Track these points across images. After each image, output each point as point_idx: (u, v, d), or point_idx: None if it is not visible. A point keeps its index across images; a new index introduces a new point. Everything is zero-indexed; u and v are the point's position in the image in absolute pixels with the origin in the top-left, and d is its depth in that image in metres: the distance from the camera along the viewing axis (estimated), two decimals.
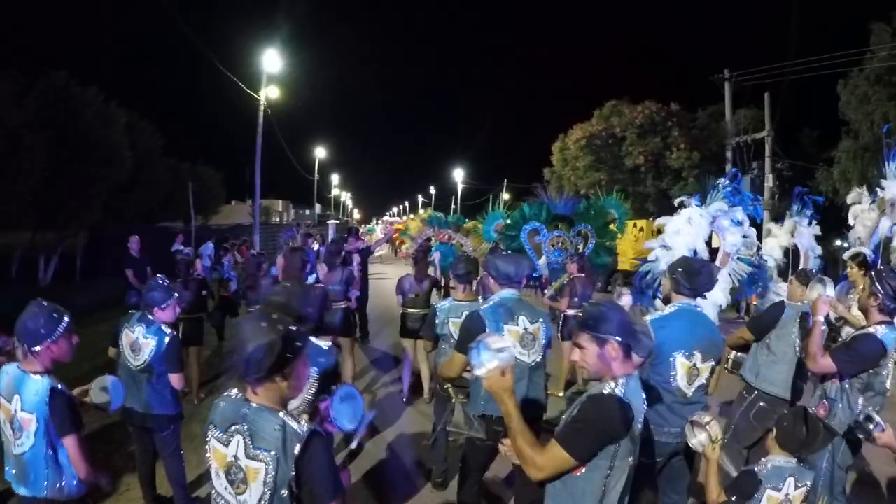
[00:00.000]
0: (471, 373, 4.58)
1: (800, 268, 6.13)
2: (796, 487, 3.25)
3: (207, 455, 2.50)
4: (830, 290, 4.70)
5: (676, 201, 8.20)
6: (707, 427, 3.37)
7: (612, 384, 2.83)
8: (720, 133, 29.35)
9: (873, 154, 19.88)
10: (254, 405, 2.42)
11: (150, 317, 4.99)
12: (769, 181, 23.37)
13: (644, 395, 2.94)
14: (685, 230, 7.67)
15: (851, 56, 21.27)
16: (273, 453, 2.33)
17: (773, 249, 8.08)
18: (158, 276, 5.43)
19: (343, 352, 8.39)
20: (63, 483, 3.50)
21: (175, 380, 4.96)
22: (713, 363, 4.22)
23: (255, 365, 2.33)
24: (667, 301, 4.45)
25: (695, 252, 7.78)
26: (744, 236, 7.94)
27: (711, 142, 32.52)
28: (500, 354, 2.92)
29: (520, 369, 4.38)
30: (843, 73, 22.23)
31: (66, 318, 3.53)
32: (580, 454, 2.75)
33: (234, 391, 2.50)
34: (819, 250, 8.16)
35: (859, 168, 21.32)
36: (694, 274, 4.20)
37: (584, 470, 2.79)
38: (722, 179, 7.91)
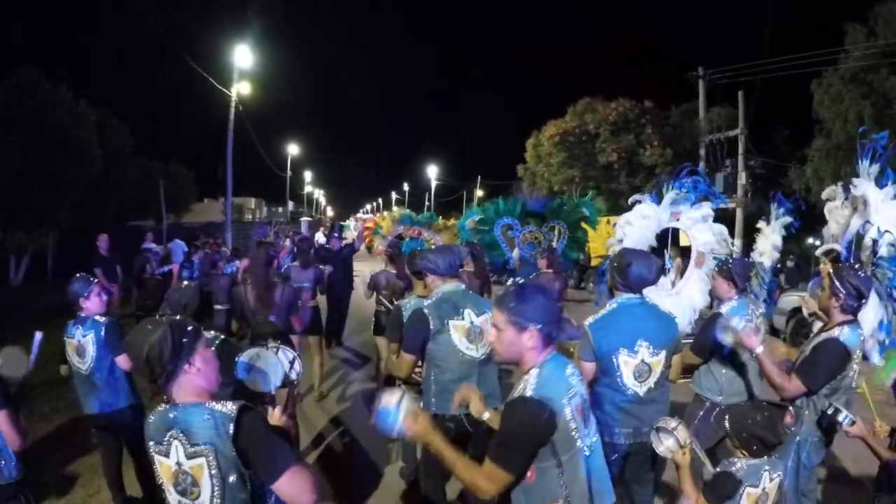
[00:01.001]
0: (421, 371, 4.54)
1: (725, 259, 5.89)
2: (771, 480, 3.22)
3: (158, 474, 2.47)
4: (740, 323, 4.50)
5: (631, 200, 8.18)
6: (674, 432, 3.27)
7: (522, 384, 2.68)
8: (693, 131, 29.54)
9: (846, 153, 20.09)
10: (179, 405, 2.41)
11: (82, 315, 4.91)
12: (742, 179, 23.56)
13: (570, 371, 2.77)
14: (637, 223, 7.66)
15: (826, 55, 21.49)
16: (209, 444, 2.32)
17: (764, 253, 8.06)
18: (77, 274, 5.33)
19: (311, 351, 8.37)
20: (2, 464, 3.44)
21: (123, 361, 4.81)
22: (666, 353, 4.05)
23: (157, 361, 2.35)
24: (612, 295, 4.26)
25: (661, 250, 7.78)
26: (719, 233, 7.93)
27: (685, 139, 32.80)
28: (400, 406, 2.77)
29: (468, 364, 4.36)
30: (817, 73, 22.47)
31: None
32: (515, 468, 2.62)
33: (162, 404, 2.46)
34: (779, 245, 8.11)
35: (832, 167, 21.54)
36: (624, 268, 4.05)
37: (535, 477, 2.67)
38: (685, 176, 7.88)
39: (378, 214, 55.17)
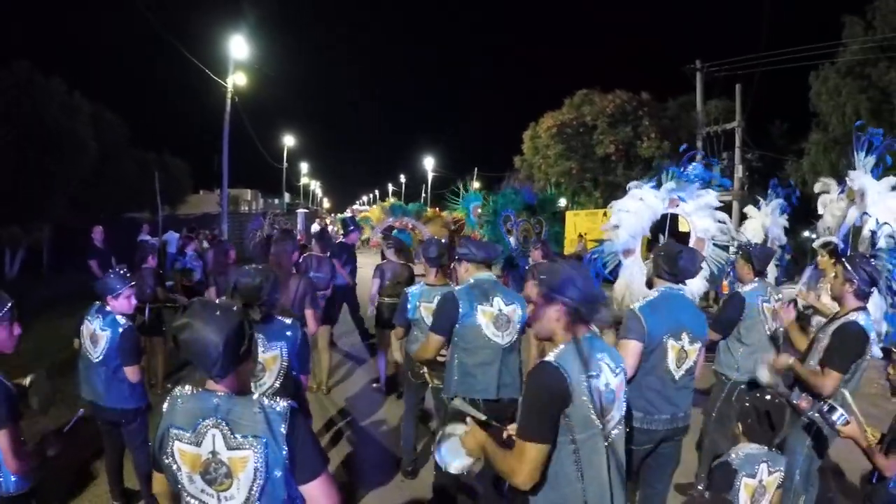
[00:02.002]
0: (446, 355, 4.59)
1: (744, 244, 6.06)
2: (769, 473, 3.23)
3: (168, 462, 2.35)
4: (769, 358, 4.72)
5: (628, 186, 8.20)
6: None
7: (551, 351, 2.75)
8: (691, 123, 29.47)
9: (843, 147, 20.08)
10: (222, 395, 2.34)
11: (106, 308, 4.85)
12: (739, 172, 23.54)
13: (604, 357, 2.80)
14: (634, 208, 7.68)
15: (823, 48, 21.46)
16: (260, 438, 2.27)
17: (751, 232, 8.05)
18: (118, 266, 5.28)
19: (320, 342, 8.32)
20: (1, 480, 3.31)
21: (130, 372, 4.80)
22: (700, 344, 4.16)
23: (231, 355, 2.29)
24: (650, 285, 4.37)
25: (656, 235, 7.78)
26: (720, 221, 7.93)
27: (682, 132, 32.62)
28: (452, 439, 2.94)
29: (493, 351, 4.46)
30: (815, 66, 22.42)
31: (8, 304, 3.39)
32: (542, 436, 2.61)
33: (188, 388, 2.41)
34: (784, 240, 8.15)
35: (829, 160, 21.54)
36: (674, 258, 4.12)
37: (553, 454, 2.67)
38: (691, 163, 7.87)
39: (374, 206, 55.17)
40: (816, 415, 4.21)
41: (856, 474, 5.91)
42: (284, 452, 2.29)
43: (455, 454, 2.89)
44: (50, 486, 5.47)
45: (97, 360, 4.79)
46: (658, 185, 7.97)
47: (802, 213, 10.17)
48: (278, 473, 2.29)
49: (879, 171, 6.56)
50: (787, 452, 3.88)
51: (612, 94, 35.80)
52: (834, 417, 3.76)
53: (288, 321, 4.10)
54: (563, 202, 14.03)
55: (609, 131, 34.77)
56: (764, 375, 4.68)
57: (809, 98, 23.19)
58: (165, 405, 2.41)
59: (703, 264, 7.53)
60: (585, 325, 2.82)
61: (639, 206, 7.74)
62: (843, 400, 3.85)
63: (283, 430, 2.29)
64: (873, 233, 6.28)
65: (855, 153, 6.77)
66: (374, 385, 8.40)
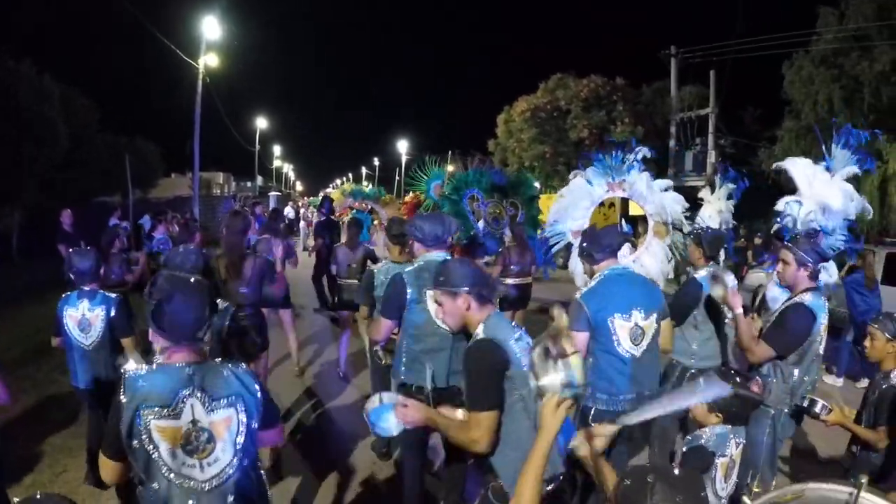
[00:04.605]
0: (398, 335, 4.49)
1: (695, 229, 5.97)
2: (736, 446, 3.25)
3: (140, 443, 2.30)
4: (731, 280, 4.65)
5: (571, 174, 8.29)
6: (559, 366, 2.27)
7: (475, 331, 3.04)
8: (665, 109, 29.67)
9: (815, 135, 20.21)
10: (192, 365, 2.41)
11: (86, 289, 4.78)
12: (712, 157, 23.77)
13: (514, 324, 3.16)
14: (565, 194, 7.76)
15: (797, 37, 21.59)
16: (237, 396, 2.44)
17: (710, 217, 8.10)
18: (75, 248, 5.16)
19: (284, 324, 8.29)
20: None
21: (128, 344, 4.78)
22: (657, 316, 4.16)
23: (207, 322, 2.44)
24: (591, 275, 4.36)
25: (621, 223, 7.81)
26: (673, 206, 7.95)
27: (656, 117, 32.83)
28: (385, 404, 3.18)
29: (442, 338, 4.25)
30: (788, 54, 22.53)
31: None
32: (491, 403, 2.84)
33: (143, 367, 2.41)
34: (730, 224, 8.16)
35: (802, 148, 21.63)
36: (597, 238, 4.25)
37: (504, 416, 2.87)
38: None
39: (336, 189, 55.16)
40: (799, 406, 4.22)
41: (829, 452, 5.96)
42: (261, 407, 2.51)
43: (385, 420, 3.13)
44: (18, 477, 5.42)
45: (93, 344, 4.75)
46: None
47: (775, 199, 10.16)
48: (255, 425, 2.45)
49: (871, 165, 6.61)
50: (749, 443, 3.84)
51: (586, 79, 35.79)
52: (816, 409, 3.85)
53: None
54: (536, 185, 13.89)
55: (583, 116, 34.80)
56: (717, 292, 4.64)
57: (783, 86, 23.32)
58: (122, 393, 2.34)
59: (666, 248, 7.67)
60: (490, 304, 3.12)
61: (573, 191, 7.83)
62: (809, 401, 3.91)
63: (256, 386, 2.52)
64: (794, 219, 6.31)
65: (833, 145, 6.72)
66: (341, 375, 8.30)
